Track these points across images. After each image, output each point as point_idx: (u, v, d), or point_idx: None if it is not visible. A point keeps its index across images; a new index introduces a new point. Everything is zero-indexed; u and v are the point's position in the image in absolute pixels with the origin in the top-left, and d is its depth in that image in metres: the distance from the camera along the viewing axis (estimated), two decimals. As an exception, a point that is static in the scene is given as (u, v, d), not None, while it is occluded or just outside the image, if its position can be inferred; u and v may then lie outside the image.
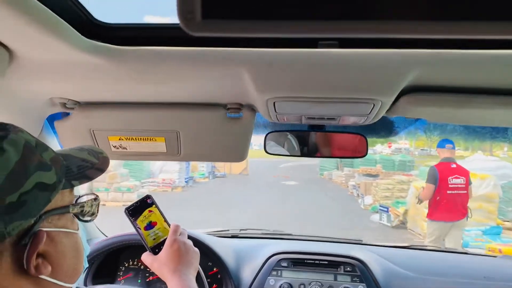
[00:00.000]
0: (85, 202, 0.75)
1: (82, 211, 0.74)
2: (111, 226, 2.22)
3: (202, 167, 19.60)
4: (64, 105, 1.29)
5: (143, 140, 1.41)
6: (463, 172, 5.23)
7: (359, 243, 2.05)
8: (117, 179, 12.89)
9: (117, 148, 1.42)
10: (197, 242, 1.69)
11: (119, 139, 1.40)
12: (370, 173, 15.40)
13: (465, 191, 5.19)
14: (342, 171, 19.13)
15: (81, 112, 1.32)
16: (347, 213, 11.32)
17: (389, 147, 32.37)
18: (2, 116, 1.18)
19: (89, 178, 0.75)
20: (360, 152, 1.52)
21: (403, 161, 19.69)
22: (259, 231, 2.20)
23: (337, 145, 1.56)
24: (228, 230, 2.19)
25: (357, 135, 1.51)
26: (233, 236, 2.12)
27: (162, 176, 15.78)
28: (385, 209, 9.50)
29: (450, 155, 5.25)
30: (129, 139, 1.40)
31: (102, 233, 2.06)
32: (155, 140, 1.40)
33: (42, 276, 0.64)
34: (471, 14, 0.34)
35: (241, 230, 2.21)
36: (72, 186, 0.71)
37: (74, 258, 0.72)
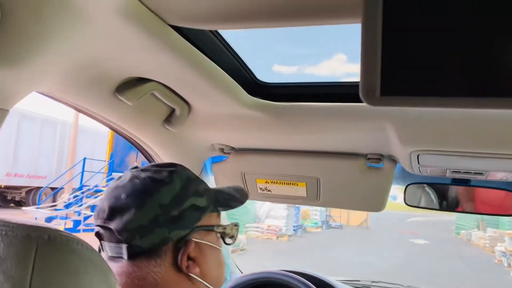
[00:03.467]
0: (227, 225, 0.90)
1: (224, 232, 0.89)
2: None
3: (315, 215, 17.67)
4: (222, 150, 1.47)
5: (286, 184, 1.50)
6: None
7: None
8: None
9: (263, 190, 1.54)
10: None
11: (265, 182, 1.52)
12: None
13: None
14: (484, 231, 16.25)
15: (236, 156, 1.47)
16: (495, 290, 8.27)
17: None
18: (173, 156, 1.36)
19: (231, 207, 0.91)
20: (507, 210, 1.43)
21: None
22: (392, 285, 2.05)
23: (480, 200, 1.50)
24: (359, 280, 2.07)
25: (505, 190, 1.41)
26: (364, 287, 2.04)
27: (268, 222, 14.66)
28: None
29: None
30: (274, 183, 1.51)
31: (239, 269, 2.07)
32: (297, 185, 1.48)
33: (193, 275, 0.80)
34: None
35: (372, 282, 2.08)
36: (218, 211, 0.88)
37: (217, 268, 0.88)
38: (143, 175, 0.80)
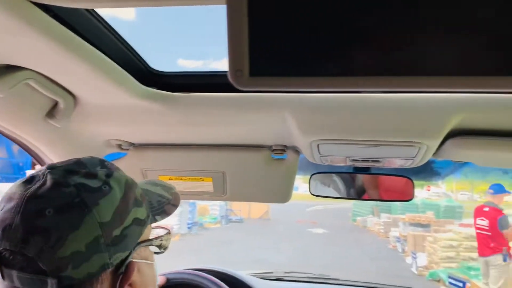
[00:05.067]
0: (163, 235, 0.81)
1: (161, 244, 0.81)
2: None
3: (214, 209, 16.42)
4: (119, 146, 1.38)
5: (192, 179, 1.45)
6: (490, 215, 5.81)
7: None
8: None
9: None
10: (243, 284, 1.69)
11: (169, 179, 1.45)
12: (420, 222, 11.59)
13: (489, 232, 5.78)
14: (379, 217, 16.50)
15: (135, 153, 1.40)
16: (393, 280, 7.60)
17: (428, 190, 28.69)
18: (64, 155, 1.20)
19: (167, 214, 0.81)
20: (406, 196, 1.49)
21: (451, 206, 16.78)
22: (305, 274, 2.13)
23: (383, 187, 1.54)
24: (271, 272, 2.12)
25: (404, 177, 1.48)
26: (277, 279, 2.07)
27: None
28: (460, 285, 5.78)
29: (491, 199, 5.94)
30: (178, 179, 1.45)
31: None
32: (203, 180, 1.45)
33: None
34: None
35: (285, 272, 2.13)
36: (155, 221, 0.77)
37: (152, 287, 0.79)
38: (71, 180, 0.66)
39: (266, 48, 0.44)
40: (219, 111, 1.06)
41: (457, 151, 1.07)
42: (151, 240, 0.77)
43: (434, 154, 1.14)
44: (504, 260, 5.74)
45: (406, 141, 1.04)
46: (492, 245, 5.82)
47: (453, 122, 0.95)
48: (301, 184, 10.24)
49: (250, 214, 19.33)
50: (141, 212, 0.72)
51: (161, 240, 0.80)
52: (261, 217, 19.37)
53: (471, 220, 13.51)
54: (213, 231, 15.09)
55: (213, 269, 1.66)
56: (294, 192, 1.52)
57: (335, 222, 17.86)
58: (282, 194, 1.45)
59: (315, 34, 0.43)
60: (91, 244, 0.62)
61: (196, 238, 13.48)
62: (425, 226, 11.80)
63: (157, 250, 0.80)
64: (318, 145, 1.12)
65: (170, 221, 12.68)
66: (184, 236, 13.29)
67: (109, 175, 0.70)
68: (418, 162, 1.22)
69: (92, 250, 0.62)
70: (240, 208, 19.00)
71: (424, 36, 0.40)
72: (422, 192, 27.37)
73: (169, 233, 0.84)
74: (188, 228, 13.93)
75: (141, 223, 0.71)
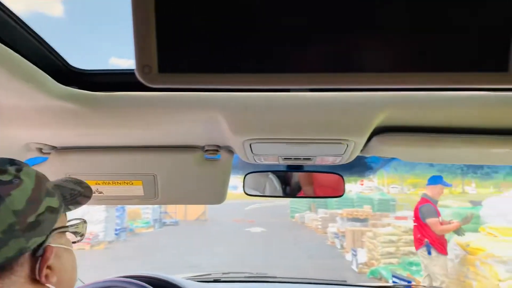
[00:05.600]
0: (78, 223, 0.89)
1: (76, 230, 0.89)
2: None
3: (146, 213, 15.42)
4: (40, 150, 1.30)
5: (120, 184, 1.40)
6: (415, 208, 5.53)
7: (343, 284, 2.05)
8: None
9: (94, 193, 1.35)
10: None
11: (96, 184, 1.40)
12: (357, 217, 11.40)
13: (415, 223, 5.50)
14: (316, 213, 16.40)
15: (58, 157, 1.33)
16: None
17: (362, 184, 29.54)
18: None
19: (80, 204, 0.89)
20: (338, 191, 1.53)
21: (384, 200, 17.06)
22: (242, 274, 2.14)
23: (316, 184, 1.57)
24: (210, 274, 2.12)
25: (334, 174, 1.52)
26: (215, 281, 2.07)
27: (81, 229, 11.36)
28: (405, 283, 5.39)
29: (427, 191, 5.53)
30: (106, 183, 1.40)
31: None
32: (132, 183, 1.40)
33: (49, 285, 0.77)
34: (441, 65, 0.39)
35: (223, 273, 2.15)
36: (69, 210, 0.86)
37: (71, 272, 0.86)
38: None
39: (176, 42, 0.42)
40: (146, 111, 1.00)
41: (382, 147, 1.10)
42: (66, 226, 0.85)
43: (362, 150, 1.18)
44: (428, 253, 5.29)
45: (334, 139, 1.06)
46: (418, 236, 5.45)
47: (378, 120, 0.97)
48: (239, 183, 9.67)
49: (187, 216, 18.54)
50: (53, 202, 0.79)
51: (76, 227, 0.88)
52: (198, 218, 18.67)
53: (405, 213, 13.88)
54: (145, 236, 14.10)
55: (144, 274, 1.64)
56: (233, 192, 1.56)
57: (273, 220, 17.62)
58: (217, 195, 1.44)
59: (227, 29, 0.41)
60: (7, 230, 0.69)
61: (125, 245, 12.42)
62: (363, 220, 11.69)
63: (74, 238, 0.88)
64: (250, 145, 1.11)
65: (94, 228, 11.60)
66: (111, 244, 12.21)
67: (19, 169, 0.76)
68: (347, 158, 1.25)
69: (8, 235, 0.69)
70: (175, 210, 18.15)
71: (350, 34, 0.39)
72: (356, 186, 28.23)
73: (84, 222, 0.92)
74: (116, 234, 12.83)
75: (54, 211, 0.79)
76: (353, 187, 27.61)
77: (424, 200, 5.42)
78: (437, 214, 5.27)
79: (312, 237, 13.38)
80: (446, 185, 5.48)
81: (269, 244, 11.89)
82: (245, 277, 2.11)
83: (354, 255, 8.37)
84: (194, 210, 18.57)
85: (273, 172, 1.54)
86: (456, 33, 0.38)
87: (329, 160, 1.30)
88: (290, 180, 1.56)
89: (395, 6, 0.38)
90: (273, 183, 1.55)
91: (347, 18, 0.39)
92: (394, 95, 0.89)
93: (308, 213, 17.19)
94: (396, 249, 7.89)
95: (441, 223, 5.23)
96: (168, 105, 0.98)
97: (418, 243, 5.46)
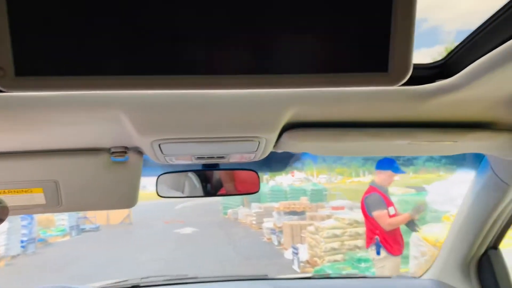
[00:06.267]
0: None
1: None
2: None
3: (61, 219, 13.79)
4: None
5: (18, 192, 1.32)
6: (362, 200, 4.66)
7: (264, 278, 2.03)
8: None
9: None
10: None
11: None
12: (295, 210, 10.71)
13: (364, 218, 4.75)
14: (249, 208, 15.80)
15: None
16: None
17: (293, 176, 29.76)
18: None
19: None
20: (253, 188, 1.53)
21: (317, 190, 16.98)
22: (161, 277, 2.07)
23: (231, 182, 1.57)
24: (126, 280, 2.05)
25: (249, 171, 1.52)
26: (133, 287, 2.02)
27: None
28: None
29: (375, 178, 4.74)
30: (1, 192, 1.31)
31: None
32: (32, 191, 1.32)
33: None
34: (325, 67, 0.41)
35: (142, 278, 2.07)
36: None
37: None
38: None
39: (33, 45, 0.38)
40: (43, 112, 0.89)
41: (293, 142, 1.12)
42: None
43: (275, 146, 1.19)
44: (377, 253, 4.40)
45: (246, 136, 1.05)
46: (367, 231, 4.58)
47: (287, 116, 0.98)
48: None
49: (109, 220, 16.96)
50: None
51: None
52: (123, 222, 17.15)
53: (340, 202, 13.62)
54: (60, 246, 12.46)
55: (49, 287, 1.60)
56: (160, 192, 1.44)
57: (205, 218, 16.80)
58: (127, 198, 1.38)
59: (99, 24, 0.38)
60: None
61: (34, 258, 10.78)
62: (300, 213, 11.01)
63: None
64: (159, 145, 1.07)
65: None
66: (15, 259, 10.50)
67: None
68: (261, 155, 1.26)
69: None
70: (96, 215, 16.52)
71: (245, 34, 0.39)
72: (287, 178, 28.30)
73: None
74: (22, 247, 11.08)
75: None
76: (284, 179, 27.77)
77: (371, 189, 4.49)
78: (386, 205, 4.35)
79: (247, 234, 12.69)
80: (398, 171, 4.44)
81: (200, 246, 11.00)
82: (164, 280, 2.05)
83: (296, 254, 7.55)
84: (118, 213, 17.02)
85: (188, 171, 1.51)
86: (336, 35, 0.38)
87: (243, 157, 1.30)
88: (205, 179, 1.54)
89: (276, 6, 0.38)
90: (192, 182, 1.53)
91: (239, 18, 0.38)
92: (302, 92, 0.89)
93: (241, 208, 16.61)
94: (341, 244, 7.20)
95: (392, 216, 4.28)
96: (67, 106, 0.87)
97: (368, 240, 4.57)
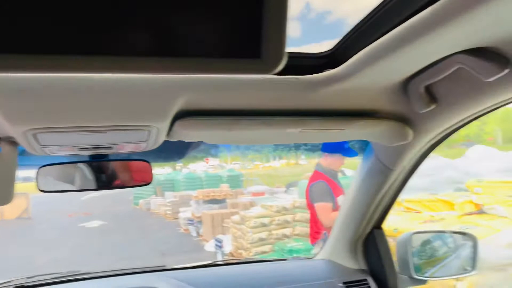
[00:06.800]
0: None
1: None
2: None
3: None
4: None
5: None
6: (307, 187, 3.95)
7: (161, 269, 1.91)
8: None
9: None
10: None
11: None
12: (215, 198, 10.19)
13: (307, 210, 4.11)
14: (163, 196, 15.40)
15: None
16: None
17: (207, 163, 29.98)
18: None
19: None
20: (147, 179, 1.48)
21: (234, 176, 17.44)
22: (50, 275, 1.89)
23: (125, 173, 1.49)
24: (9, 281, 1.85)
25: (141, 161, 1.47)
26: (18, 287, 1.86)
27: None
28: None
29: (321, 161, 3.97)
30: None
31: None
32: None
33: None
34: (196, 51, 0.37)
35: (28, 278, 1.88)
36: None
37: None
38: None
39: None
40: None
41: (186, 131, 1.10)
42: None
43: (167, 136, 1.16)
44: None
45: (134, 125, 1.01)
46: (311, 225, 3.93)
47: (178, 104, 0.96)
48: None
49: (4, 214, 15.19)
50: None
51: None
52: (20, 216, 15.49)
53: (259, 188, 13.45)
54: None
55: None
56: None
57: (115, 210, 15.89)
58: (2, 194, 1.25)
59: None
60: None
61: None
62: (221, 201, 10.51)
63: None
64: (34, 135, 0.99)
65: None
66: None
67: None
68: (153, 144, 1.23)
69: None
70: (-13, 210, 14.60)
71: (132, 14, 0.35)
72: (200, 165, 28.22)
73: None
74: None
75: None
76: (197, 166, 27.65)
77: (316, 175, 3.73)
78: (333, 194, 3.59)
79: (162, 225, 12.01)
80: (350, 154, 3.66)
81: (109, 240, 10.10)
82: (54, 278, 1.86)
83: (219, 246, 6.95)
84: (14, 207, 15.31)
85: (76, 162, 1.39)
86: (205, 18, 0.36)
87: (133, 147, 1.27)
88: (104, 170, 1.43)
89: None
90: (83, 173, 1.40)
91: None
92: (192, 79, 0.88)
93: (154, 197, 16.00)
94: (268, 234, 6.75)
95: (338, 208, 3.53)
96: None
97: (313, 234, 3.88)
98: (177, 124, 1.06)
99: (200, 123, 1.06)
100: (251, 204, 8.69)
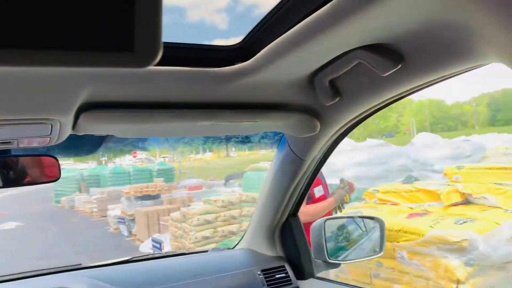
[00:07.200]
0: None
1: None
2: None
3: None
4: None
5: None
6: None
7: (77, 268, 1.83)
8: None
9: None
10: None
11: None
12: (148, 193, 9.52)
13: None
14: (88, 193, 14.61)
15: None
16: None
17: (134, 157, 29.24)
18: None
19: None
20: (54, 175, 1.42)
21: (165, 169, 16.51)
22: None
23: (32, 169, 1.42)
24: None
25: (47, 156, 1.41)
26: None
27: None
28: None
29: None
30: None
31: None
32: None
33: None
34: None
35: None
36: None
37: None
38: None
39: None
40: None
41: (92, 125, 1.07)
42: None
43: (73, 129, 1.11)
44: None
45: (34, 119, 0.96)
46: None
47: (82, 96, 0.92)
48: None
49: None
50: None
51: None
52: None
53: (194, 181, 12.92)
54: None
55: None
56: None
57: (33, 209, 14.68)
58: None
59: None
60: None
61: None
62: (155, 197, 9.82)
63: None
64: None
65: None
66: None
67: None
68: (58, 139, 1.17)
69: None
70: None
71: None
72: (125, 160, 27.24)
73: None
74: None
75: None
76: (123, 161, 26.66)
77: None
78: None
79: (88, 224, 11.15)
80: None
81: (27, 244, 9.14)
82: None
83: (157, 247, 6.31)
84: None
85: None
86: (76, 8, 0.34)
87: (36, 142, 1.22)
88: (13, 166, 1.37)
89: None
90: None
91: None
92: (92, 71, 0.83)
93: (78, 194, 15.14)
94: (214, 232, 6.24)
95: (317, 200, 2.92)
96: None
97: None
98: (82, 117, 1.02)
99: (107, 115, 1.03)
100: (190, 199, 8.18)
